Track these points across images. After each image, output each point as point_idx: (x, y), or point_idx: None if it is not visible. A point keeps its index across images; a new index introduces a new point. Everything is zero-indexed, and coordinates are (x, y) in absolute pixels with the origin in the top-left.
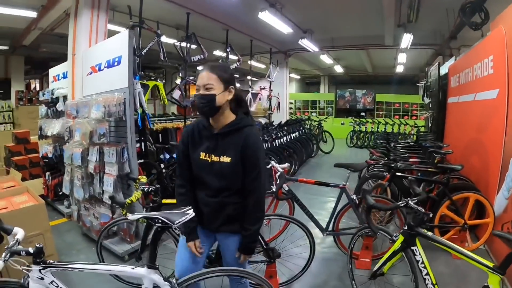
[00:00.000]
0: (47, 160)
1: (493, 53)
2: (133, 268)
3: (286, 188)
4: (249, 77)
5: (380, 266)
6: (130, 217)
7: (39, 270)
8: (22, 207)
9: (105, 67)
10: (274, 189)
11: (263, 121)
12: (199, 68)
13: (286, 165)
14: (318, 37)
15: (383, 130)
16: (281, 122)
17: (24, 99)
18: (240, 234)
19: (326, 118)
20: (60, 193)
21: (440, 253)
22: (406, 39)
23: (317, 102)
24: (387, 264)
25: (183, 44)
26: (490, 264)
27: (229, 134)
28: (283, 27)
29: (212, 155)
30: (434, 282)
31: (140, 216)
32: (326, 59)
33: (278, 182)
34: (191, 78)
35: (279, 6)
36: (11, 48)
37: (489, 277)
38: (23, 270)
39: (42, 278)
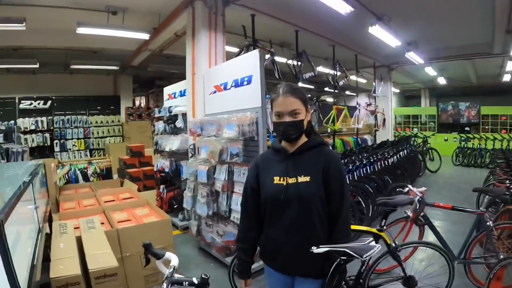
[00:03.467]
0: (163, 174)
1: None
2: None
3: (422, 214)
4: (348, 92)
5: None
6: (316, 250)
7: None
8: (148, 222)
9: (232, 86)
10: (409, 214)
11: (368, 138)
12: (278, 92)
13: (423, 189)
14: (423, 48)
15: (492, 146)
16: (393, 140)
17: (134, 114)
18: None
19: (433, 134)
20: (175, 206)
21: None
22: None
23: (419, 117)
24: None
25: (295, 62)
26: None
27: (305, 152)
28: (391, 40)
29: (287, 177)
30: None
31: (324, 250)
32: (430, 71)
33: (418, 207)
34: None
35: (386, 19)
36: (121, 68)
37: None
38: None
39: None
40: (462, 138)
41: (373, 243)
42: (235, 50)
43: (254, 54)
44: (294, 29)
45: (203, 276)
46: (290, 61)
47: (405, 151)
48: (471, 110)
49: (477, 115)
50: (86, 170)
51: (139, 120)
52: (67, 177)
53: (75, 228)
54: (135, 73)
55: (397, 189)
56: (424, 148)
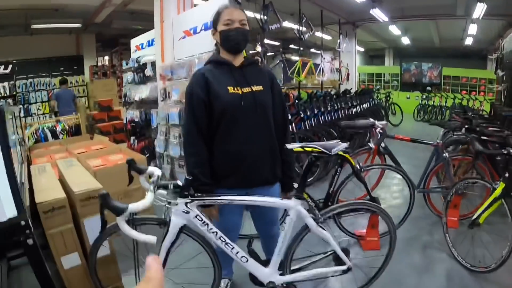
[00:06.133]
0: (134, 124)
1: None
2: (282, 199)
3: (383, 145)
4: (313, 50)
5: (478, 215)
6: (289, 146)
7: (186, 204)
8: (122, 163)
9: (201, 29)
10: (371, 145)
11: (333, 92)
12: (225, 5)
13: (385, 122)
14: (387, 6)
15: (451, 104)
16: (356, 90)
17: (98, 73)
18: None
19: (394, 90)
20: (146, 155)
21: None
22: (479, 9)
23: (382, 75)
24: (485, 213)
25: (261, 15)
26: None
27: (248, 66)
28: None
29: (241, 87)
30: None
31: (298, 145)
32: (394, 29)
33: (379, 138)
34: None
35: None
36: (84, 26)
37: None
38: (167, 205)
39: (187, 212)
40: (424, 96)
41: (341, 143)
42: None
43: None
44: None
45: (186, 177)
46: (255, 15)
47: (368, 104)
48: (433, 71)
49: (439, 76)
50: (54, 128)
51: (104, 79)
52: (35, 136)
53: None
54: (98, 30)
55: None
56: (387, 103)
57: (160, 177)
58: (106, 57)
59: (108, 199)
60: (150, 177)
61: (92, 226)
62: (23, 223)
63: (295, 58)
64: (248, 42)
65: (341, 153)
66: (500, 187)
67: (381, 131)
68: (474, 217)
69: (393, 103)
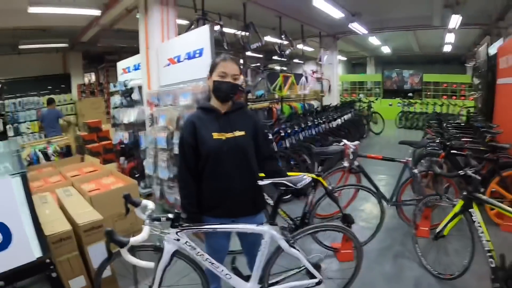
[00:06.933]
0: (123, 146)
1: None
2: (257, 225)
3: (357, 164)
4: (296, 60)
5: (442, 228)
6: (260, 182)
7: (176, 233)
8: (116, 187)
9: (185, 58)
10: (345, 164)
11: (315, 103)
12: (223, 57)
13: (357, 142)
14: (366, 19)
15: (432, 110)
16: (336, 104)
17: (86, 91)
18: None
19: (376, 99)
20: (136, 175)
21: (490, 226)
22: (454, 20)
23: (364, 84)
24: (448, 226)
25: (243, 33)
26: None
27: (235, 112)
28: (334, 12)
29: (225, 133)
30: (488, 239)
31: (268, 182)
32: (374, 40)
33: (351, 158)
34: (252, 65)
35: None
36: (70, 45)
37: None
38: (161, 234)
39: (178, 240)
40: (405, 103)
41: (306, 177)
42: (185, 22)
43: (205, 29)
44: (242, 1)
45: (176, 211)
46: (238, 32)
47: (350, 115)
48: (414, 78)
49: (420, 82)
50: (46, 150)
51: (92, 97)
52: (28, 159)
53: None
54: (84, 49)
55: (334, 143)
56: (369, 112)
57: (154, 209)
58: (93, 74)
59: (113, 234)
60: (144, 209)
61: (95, 252)
62: (48, 260)
63: (278, 68)
64: (236, 93)
65: (313, 176)
66: (459, 204)
67: (353, 152)
68: (438, 230)
69: (375, 112)
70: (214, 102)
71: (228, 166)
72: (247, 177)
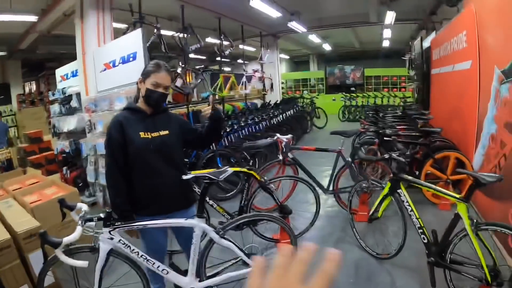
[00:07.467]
0: (65, 155)
1: (466, 29)
2: (186, 219)
3: (291, 156)
4: (240, 61)
5: (374, 210)
6: (184, 177)
7: (109, 232)
8: (56, 197)
9: (120, 63)
10: (280, 157)
11: (258, 102)
12: (160, 67)
13: (290, 136)
14: (305, 18)
15: (373, 103)
16: (276, 101)
17: (26, 101)
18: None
19: (318, 95)
20: (80, 184)
21: (428, 206)
22: (390, 16)
23: (308, 80)
24: (380, 208)
25: (181, 35)
26: (457, 196)
27: (159, 114)
28: (272, 12)
29: (150, 133)
30: (417, 217)
31: (192, 176)
32: (314, 38)
33: (284, 151)
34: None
35: None
36: (8, 53)
37: (458, 205)
38: (94, 234)
39: (111, 238)
40: (347, 97)
41: (228, 169)
42: (123, 26)
43: (137, 32)
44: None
45: (107, 210)
46: (176, 34)
47: (292, 111)
48: (356, 73)
49: (362, 76)
50: None
51: (32, 107)
52: None
53: None
54: (23, 56)
55: (268, 138)
56: (311, 108)
57: (87, 211)
58: (34, 82)
59: (46, 236)
60: (79, 212)
61: (36, 259)
62: None
63: (226, 68)
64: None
65: (246, 170)
66: (387, 186)
67: (285, 145)
68: (371, 212)
69: (317, 107)
70: (141, 104)
71: (156, 163)
72: (175, 173)
